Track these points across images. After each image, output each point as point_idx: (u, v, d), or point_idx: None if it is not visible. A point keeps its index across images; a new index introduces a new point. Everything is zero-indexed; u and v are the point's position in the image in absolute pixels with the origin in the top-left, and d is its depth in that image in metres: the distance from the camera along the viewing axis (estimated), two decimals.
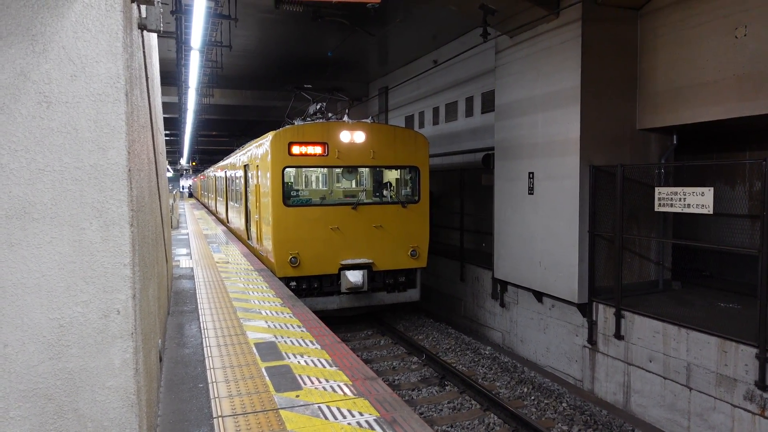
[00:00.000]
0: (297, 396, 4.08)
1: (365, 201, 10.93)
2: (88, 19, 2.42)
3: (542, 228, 9.25)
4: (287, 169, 10.18)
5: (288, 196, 10.22)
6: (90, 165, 2.44)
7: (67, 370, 2.43)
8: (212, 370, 4.67)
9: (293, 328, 6.01)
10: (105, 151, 2.46)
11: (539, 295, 9.63)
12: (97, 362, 2.47)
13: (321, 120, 11.10)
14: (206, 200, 34.84)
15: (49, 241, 2.38)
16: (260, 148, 11.22)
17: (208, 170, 34.24)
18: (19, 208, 2.34)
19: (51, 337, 2.40)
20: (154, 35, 5.64)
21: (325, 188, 11.68)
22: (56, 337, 2.40)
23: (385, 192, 11.44)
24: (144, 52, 3.75)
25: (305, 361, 4.86)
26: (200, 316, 6.50)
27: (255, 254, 12.13)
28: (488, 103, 13.01)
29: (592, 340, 8.44)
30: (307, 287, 10.28)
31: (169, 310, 6.77)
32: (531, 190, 9.49)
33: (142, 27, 3.34)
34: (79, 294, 2.43)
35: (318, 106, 12.04)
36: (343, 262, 10.31)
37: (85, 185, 2.43)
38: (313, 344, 5.40)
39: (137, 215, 2.76)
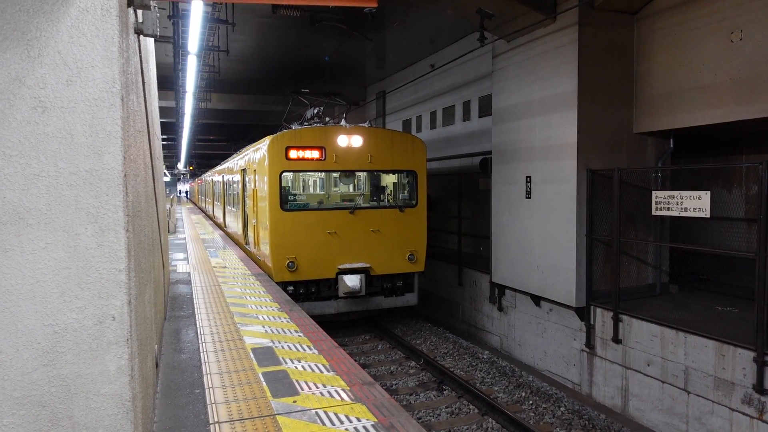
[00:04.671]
0: (294, 401, 4.06)
1: (363, 205, 10.92)
2: (84, 23, 2.41)
3: (540, 232, 9.25)
4: (284, 174, 10.17)
5: (285, 200, 10.21)
6: (85, 170, 2.42)
7: (62, 377, 2.41)
8: (209, 375, 4.64)
9: (290, 332, 5.98)
10: (100, 156, 2.45)
11: (537, 299, 9.62)
12: (92, 369, 2.45)
13: (318, 124, 11.10)
14: (204, 205, 34.80)
15: (43, 246, 2.37)
16: (257, 152, 11.22)
17: (206, 174, 34.22)
18: (13, 213, 2.32)
19: (45, 344, 2.38)
20: (151, 40, 5.65)
21: (322, 192, 11.67)
22: (51, 344, 2.38)
23: (381, 196, 11.43)
24: (140, 56, 3.75)
25: (302, 366, 4.84)
26: (197, 321, 6.47)
27: (252, 259, 12.10)
28: (486, 107, 13.04)
29: (590, 343, 8.43)
30: (304, 292, 10.26)
31: (165, 315, 6.74)
32: (528, 194, 9.50)
33: (139, 32, 3.33)
34: (74, 300, 2.41)
35: (315, 111, 12.05)
36: (341, 267, 10.29)
37: (81, 190, 2.42)
38: (311, 349, 5.38)
39: (133, 220, 2.75)
